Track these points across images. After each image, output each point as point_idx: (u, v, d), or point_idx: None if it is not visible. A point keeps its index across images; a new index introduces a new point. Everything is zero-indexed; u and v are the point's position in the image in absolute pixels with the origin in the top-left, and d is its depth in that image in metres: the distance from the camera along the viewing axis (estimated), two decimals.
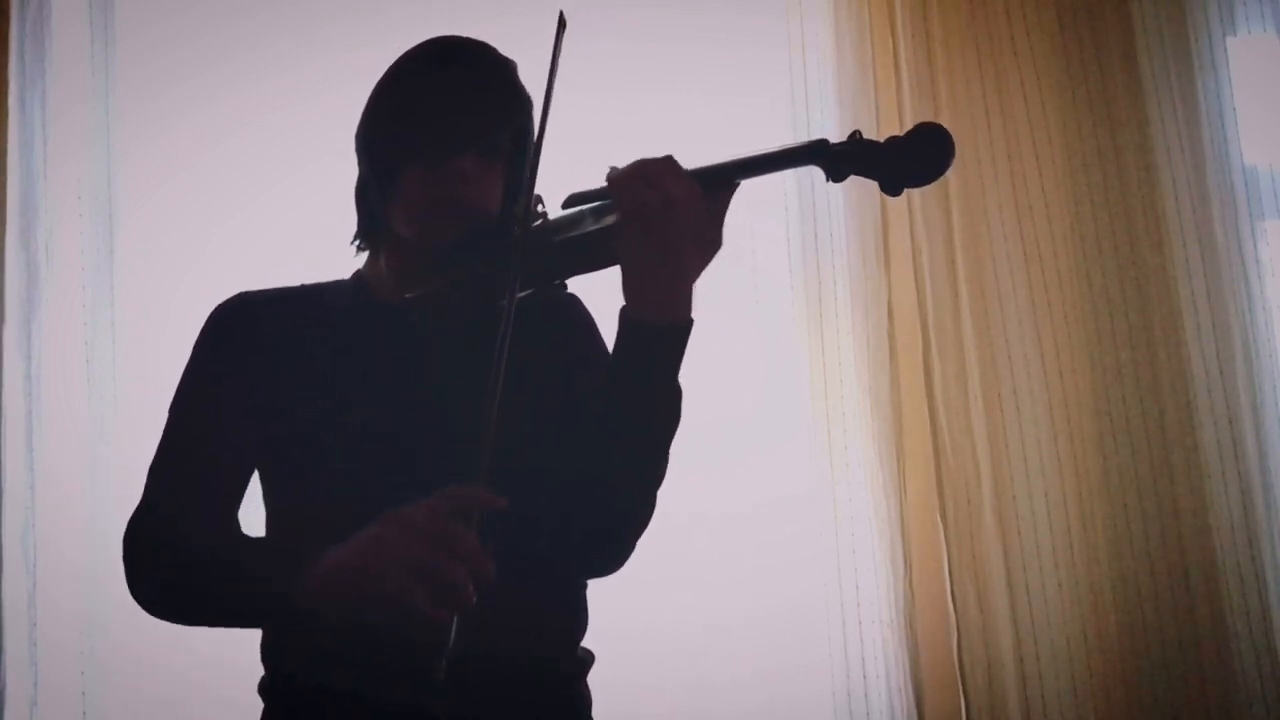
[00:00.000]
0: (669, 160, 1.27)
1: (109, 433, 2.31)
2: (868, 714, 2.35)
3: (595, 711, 1.42)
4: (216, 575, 1.26)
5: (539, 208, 1.34)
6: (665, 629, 2.33)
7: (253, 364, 1.41)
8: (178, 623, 1.34)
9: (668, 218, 1.23)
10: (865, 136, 1.27)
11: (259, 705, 1.39)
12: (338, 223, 1.54)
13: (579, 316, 1.51)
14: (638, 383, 1.28)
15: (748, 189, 1.30)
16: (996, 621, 2.40)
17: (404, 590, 1.08)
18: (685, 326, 1.27)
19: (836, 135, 2.50)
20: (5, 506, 2.23)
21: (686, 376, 1.32)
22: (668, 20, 2.57)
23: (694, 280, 1.27)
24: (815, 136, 2.48)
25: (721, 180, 1.28)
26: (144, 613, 1.36)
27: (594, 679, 1.43)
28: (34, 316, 2.32)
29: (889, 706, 2.36)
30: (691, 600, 2.35)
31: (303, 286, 1.50)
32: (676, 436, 1.34)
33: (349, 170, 1.49)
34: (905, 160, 1.24)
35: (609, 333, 1.49)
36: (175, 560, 1.30)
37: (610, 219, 1.29)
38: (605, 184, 1.28)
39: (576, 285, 1.40)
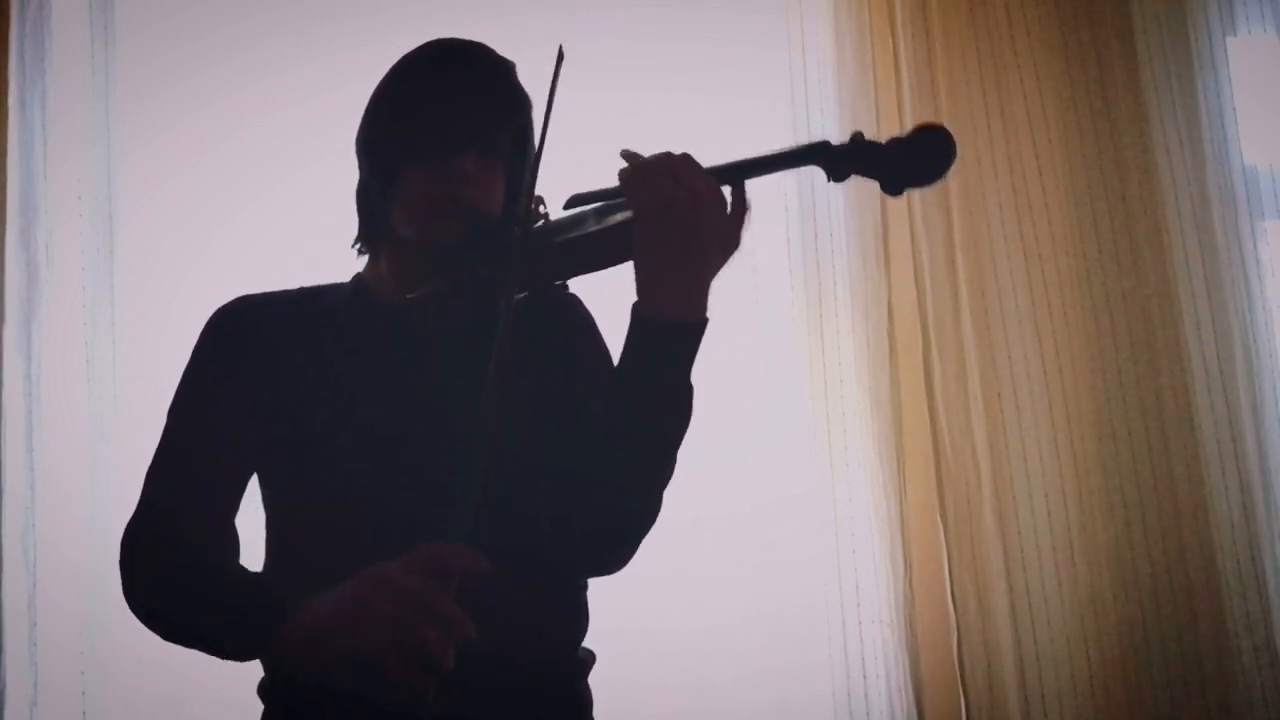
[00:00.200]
0: (689, 157, 1.27)
1: (109, 433, 2.31)
2: (868, 714, 2.35)
3: (596, 711, 1.42)
4: (201, 607, 1.26)
5: (540, 208, 1.34)
6: (665, 629, 2.33)
7: (253, 366, 1.41)
8: (166, 639, 1.33)
9: (693, 213, 1.22)
10: (867, 138, 1.27)
11: (259, 706, 1.39)
12: (338, 223, 1.55)
13: (579, 317, 1.51)
14: (651, 380, 1.28)
15: (748, 188, 1.30)
16: (996, 621, 2.40)
17: (378, 653, 1.07)
18: (701, 324, 1.27)
19: (836, 135, 2.53)
20: (5, 506, 2.23)
21: None
22: (668, 20, 2.57)
23: (712, 278, 1.27)
24: (815, 136, 2.53)
25: (725, 181, 1.28)
26: None
27: (594, 679, 1.43)
28: (34, 316, 2.32)
29: (889, 706, 2.36)
30: (692, 600, 2.35)
31: (302, 289, 1.50)
32: None
33: (349, 170, 1.49)
34: (906, 161, 1.24)
35: (609, 334, 1.50)
36: (167, 583, 1.30)
37: (615, 219, 1.29)
38: (619, 178, 1.27)
39: (577, 285, 1.40)
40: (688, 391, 1.29)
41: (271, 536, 1.42)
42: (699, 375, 1.30)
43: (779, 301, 2.49)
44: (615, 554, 1.38)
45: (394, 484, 1.31)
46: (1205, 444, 2.46)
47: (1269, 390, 2.49)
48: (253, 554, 1.44)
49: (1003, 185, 2.55)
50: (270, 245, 2.39)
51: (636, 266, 1.26)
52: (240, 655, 1.25)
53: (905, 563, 2.41)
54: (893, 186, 1.26)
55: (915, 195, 2.51)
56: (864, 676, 2.36)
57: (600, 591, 1.44)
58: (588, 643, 1.44)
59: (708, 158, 1.29)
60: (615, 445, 1.30)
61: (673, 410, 1.29)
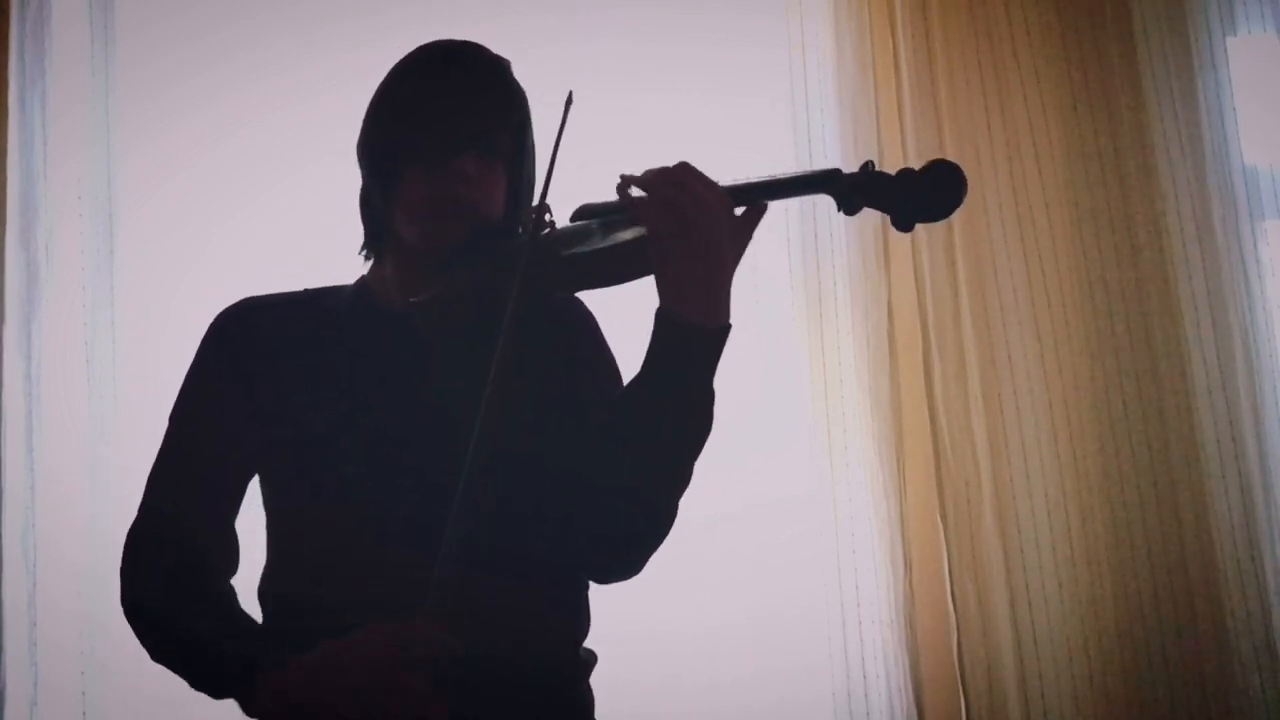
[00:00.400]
0: (687, 165, 1.27)
1: (109, 433, 2.31)
2: (868, 714, 2.35)
3: (597, 712, 1.42)
4: (187, 644, 1.30)
5: (546, 216, 1.34)
6: (666, 629, 2.33)
7: (254, 367, 1.41)
8: (151, 657, 1.35)
9: (703, 219, 1.23)
10: (878, 168, 1.27)
11: None
12: (338, 223, 1.55)
13: (583, 320, 1.51)
14: (677, 385, 1.28)
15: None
16: (996, 621, 2.40)
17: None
18: (725, 329, 1.28)
19: (837, 135, 2.53)
20: (5, 506, 2.23)
21: None
22: (668, 20, 2.57)
23: (731, 280, 1.27)
24: (816, 137, 2.53)
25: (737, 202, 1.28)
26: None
27: (595, 679, 1.43)
28: (34, 316, 2.32)
29: (889, 706, 2.36)
30: (692, 601, 2.35)
31: (306, 291, 1.51)
32: None
33: (349, 170, 1.49)
34: (918, 197, 1.25)
35: (611, 337, 1.50)
36: (161, 608, 1.33)
37: (622, 236, 1.29)
38: (618, 196, 1.28)
39: None
40: (710, 397, 1.30)
41: (273, 537, 1.42)
42: None
43: (779, 301, 2.49)
44: (630, 560, 1.38)
45: (396, 486, 1.31)
46: (1205, 444, 2.46)
47: (1269, 390, 2.49)
48: (252, 554, 1.44)
49: (1003, 185, 2.55)
50: (270, 245, 2.38)
51: (658, 277, 1.26)
52: (213, 695, 1.28)
53: (905, 563, 2.41)
54: (903, 223, 1.26)
55: None
56: (864, 676, 2.36)
57: (601, 592, 1.44)
58: (589, 643, 1.44)
59: (708, 158, 1.29)
60: (635, 451, 1.30)
61: (698, 415, 1.29)
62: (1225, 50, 2.62)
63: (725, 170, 1.29)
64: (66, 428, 2.29)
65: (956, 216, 2.50)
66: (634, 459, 1.30)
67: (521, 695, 1.31)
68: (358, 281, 1.50)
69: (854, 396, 2.45)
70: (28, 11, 2.40)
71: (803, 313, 2.49)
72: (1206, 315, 2.50)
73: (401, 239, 1.41)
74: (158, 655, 1.33)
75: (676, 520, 1.36)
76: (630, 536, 1.35)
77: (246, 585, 1.43)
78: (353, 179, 1.50)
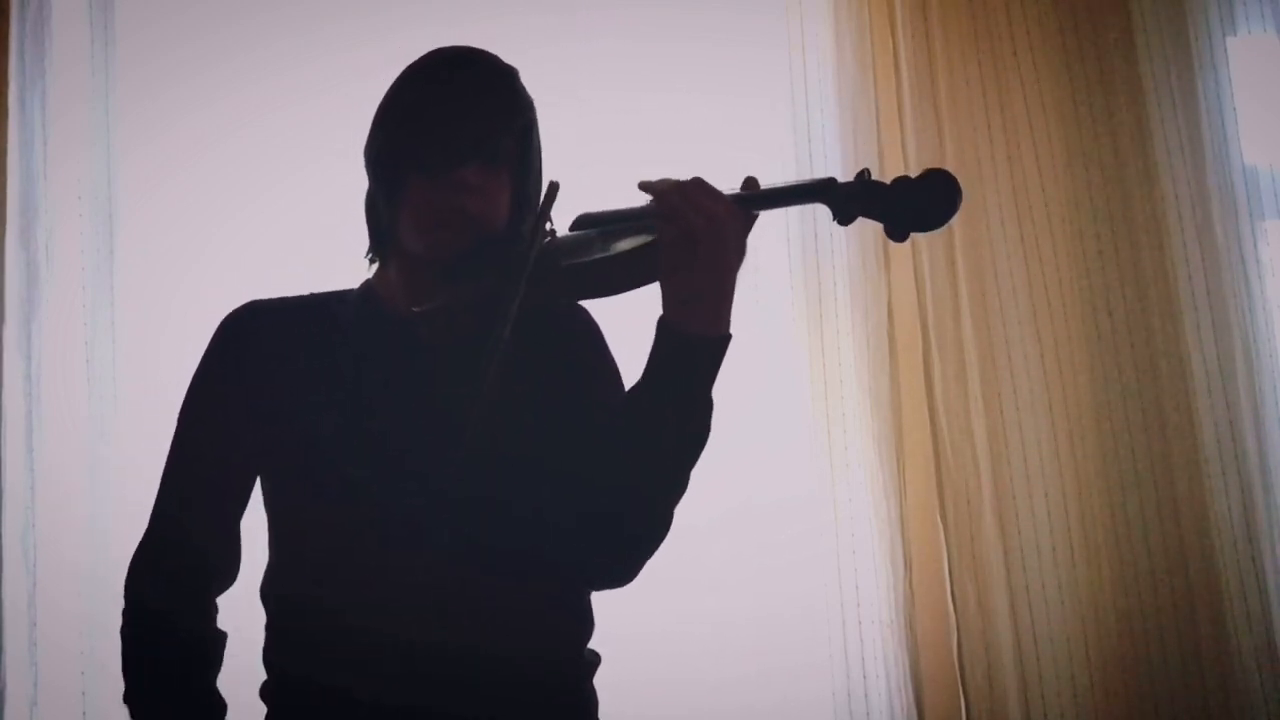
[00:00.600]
0: (701, 181, 1.27)
1: (109, 433, 2.31)
2: (868, 714, 2.35)
3: (599, 712, 1.42)
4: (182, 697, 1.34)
5: (547, 225, 1.34)
6: (666, 629, 2.33)
7: (260, 369, 1.42)
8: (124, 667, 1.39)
9: (715, 237, 1.24)
10: (872, 177, 1.28)
11: (260, 708, 1.39)
12: (337, 223, 1.55)
13: (586, 327, 1.51)
14: (677, 392, 1.28)
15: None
16: (996, 621, 2.40)
17: None
18: (725, 339, 1.28)
19: (837, 135, 2.53)
20: (5, 506, 2.23)
21: None
22: (668, 20, 2.56)
23: (733, 293, 1.28)
24: (816, 137, 2.53)
25: None
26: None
27: (597, 679, 1.43)
28: (34, 316, 2.32)
29: (889, 706, 2.36)
30: (692, 601, 2.35)
31: (313, 295, 1.51)
32: None
33: (349, 171, 1.49)
34: (913, 206, 1.25)
35: (614, 343, 1.50)
36: (153, 665, 1.37)
37: (622, 245, 1.29)
38: (646, 210, 1.27)
39: None
40: (709, 406, 1.30)
41: (275, 538, 1.42)
42: None
43: (779, 301, 2.49)
44: (623, 567, 1.39)
45: (399, 490, 1.31)
46: (1205, 444, 2.46)
47: (1269, 390, 2.49)
48: (254, 554, 1.45)
49: (1003, 185, 2.55)
50: (270, 245, 2.38)
51: (663, 286, 1.27)
52: None
53: (905, 563, 2.41)
54: (898, 233, 1.26)
55: None
56: (864, 676, 2.36)
57: (601, 593, 1.44)
58: (591, 644, 1.44)
59: (708, 158, 1.29)
60: (632, 458, 1.30)
61: (696, 423, 1.30)
62: (1225, 50, 2.62)
63: (725, 170, 1.29)
64: (66, 428, 2.29)
65: (957, 217, 2.51)
66: (633, 465, 1.30)
67: (525, 696, 1.31)
68: (363, 285, 1.50)
69: (854, 396, 2.45)
70: (28, 11, 2.39)
71: (803, 313, 2.49)
72: (1206, 315, 2.49)
73: (405, 246, 1.41)
74: (128, 697, 1.37)
75: (676, 521, 1.36)
76: (625, 542, 1.36)
77: (248, 585, 1.43)
78: (353, 180, 1.50)
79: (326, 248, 2.21)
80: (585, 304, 1.49)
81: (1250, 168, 2.58)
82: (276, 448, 1.40)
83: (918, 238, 2.51)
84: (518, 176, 1.41)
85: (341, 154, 1.51)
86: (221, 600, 1.43)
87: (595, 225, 1.37)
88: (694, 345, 1.27)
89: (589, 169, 1.34)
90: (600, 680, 1.43)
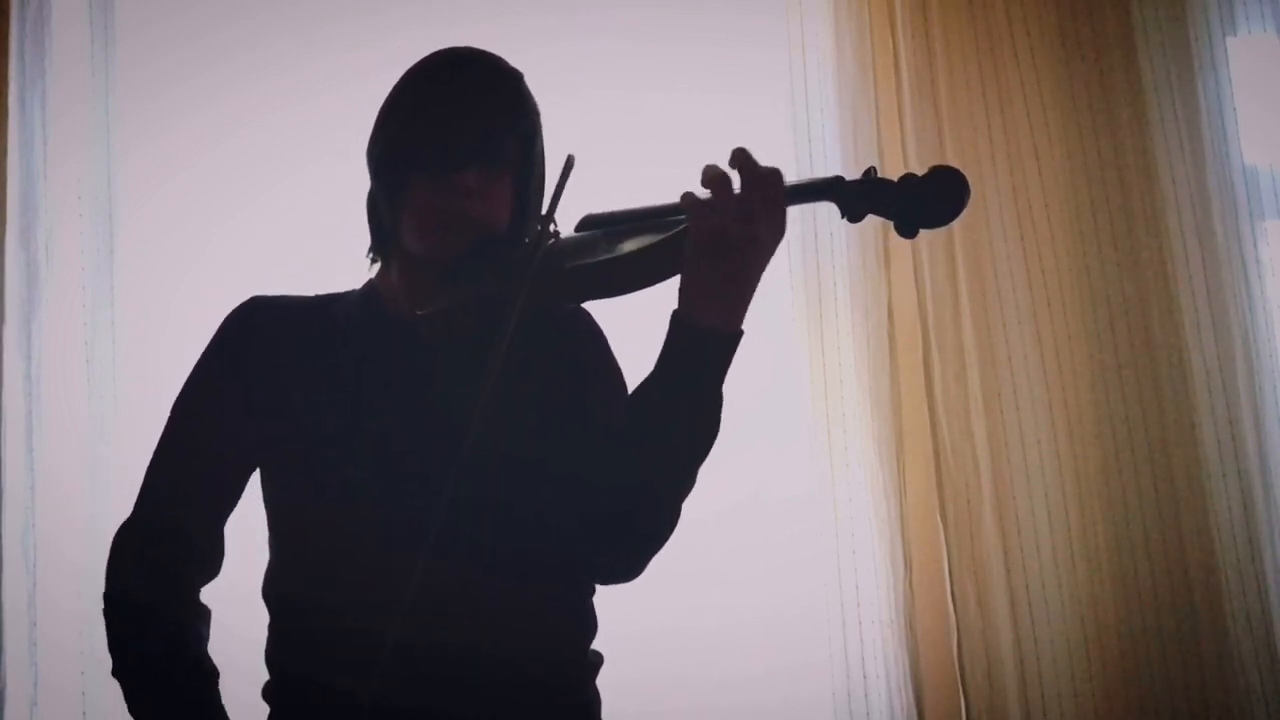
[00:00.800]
0: (748, 195, 1.24)
1: (109, 433, 2.31)
2: (868, 714, 2.35)
3: (601, 712, 1.42)
4: (147, 692, 1.34)
5: (551, 226, 1.34)
6: (666, 629, 2.33)
7: (257, 365, 1.42)
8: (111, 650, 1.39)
9: (751, 249, 1.22)
10: (880, 173, 1.27)
11: (260, 708, 1.39)
12: (338, 223, 1.55)
13: (589, 329, 1.51)
14: (688, 386, 1.28)
15: None
16: (996, 621, 2.40)
17: None
18: (738, 335, 1.28)
19: (837, 135, 2.53)
20: (5, 506, 2.23)
21: None
22: (668, 20, 2.57)
23: (753, 295, 1.27)
24: (816, 137, 2.53)
25: None
26: None
27: (598, 680, 1.43)
28: (34, 316, 2.32)
29: (889, 706, 2.36)
30: (693, 600, 2.35)
31: (317, 296, 1.51)
32: None
33: (349, 171, 1.50)
34: (922, 203, 1.24)
35: (616, 343, 1.50)
36: (137, 644, 1.37)
37: (628, 247, 1.29)
38: (682, 200, 1.26)
39: None
40: (720, 401, 1.30)
41: (275, 537, 1.42)
42: None
43: (779, 301, 2.49)
44: (632, 562, 1.38)
45: (400, 491, 1.31)
46: (1205, 444, 2.46)
47: (1269, 390, 2.49)
48: (254, 554, 1.44)
49: (1003, 185, 2.55)
50: (270, 245, 2.38)
51: (683, 283, 1.26)
52: None
53: (905, 563, 2.41)
54: (907, 229, 1.26)
55: None
56: (864, 676, 2.36)
57: (602, 592, 1.45)
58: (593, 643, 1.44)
59: (708, 158, 1.28)
60: (644, 452, 1.30)
61: (706, 418, 1.30)
62: (1225, 50, 2.62)
63: (725, 171, 1.29)
64: (66, 428, 2.29)
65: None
66: (642, 460, 1.30)
67: (528, 697, 1.32)
68: (365, 286, 1.50)
69: (854, 396, 2.45)
70: (28, 11, 2.39)
71: (803, 313, 2.49)
72: (1206, 315, 2.49)
73: (406, 247, 1.41)
74: (117, 673, 1.36)
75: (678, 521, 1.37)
76: (635, 538, 1.36)
77: (249, 585, 1.43)
78: (353, 180, 1.50)
79: (326, 248, 2.21)
80: (590, 306, 1.49)
81: (1250, 168, 2.58)
82: (276, 446, 1.40)
83: (917, 238, 2.51)
84: (520, 180, 1.41)
85: (341, 154, 1.51)
86: (222, 600, 1.43)
87: (601, 226, 1.36)
88: (709, 340, 1.26)
89: (589, 169, 1.33)
90: (602, 680, 1.43)
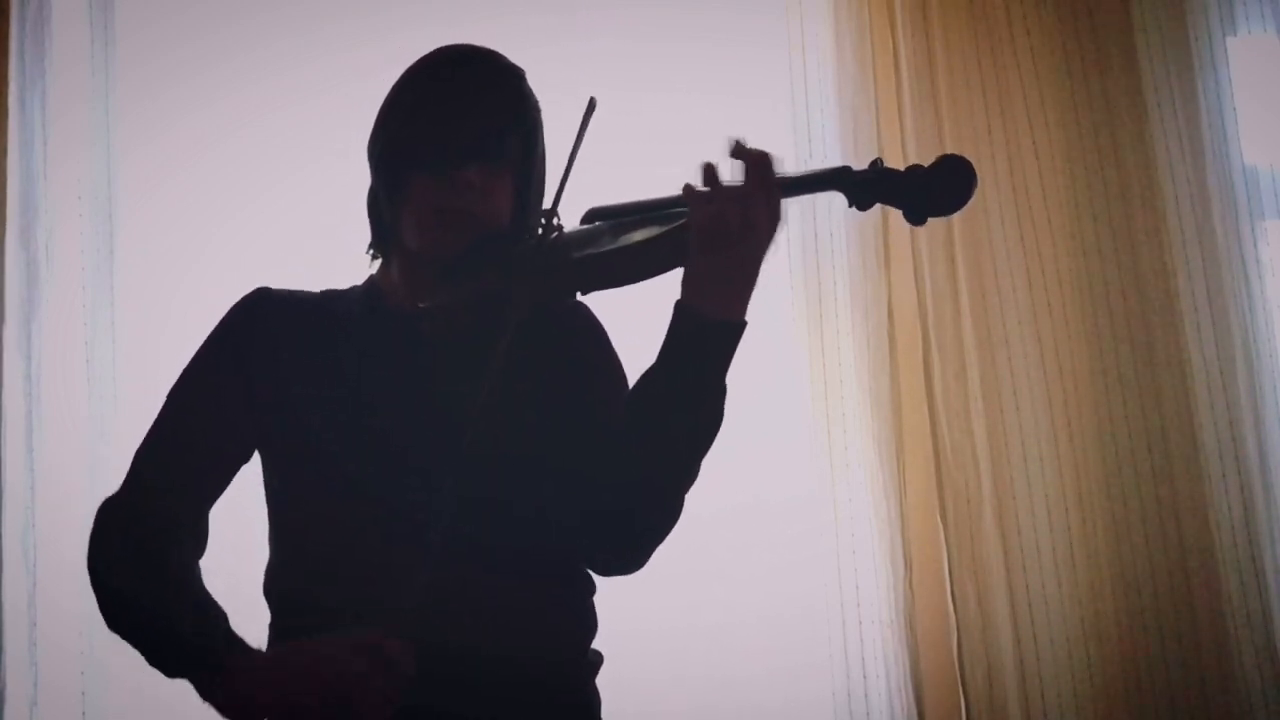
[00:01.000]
0: (749, 186, 1.26)
1: (109, 433, 2.31)
2: (868, 714, 2.35)
3: (601, 712, 1.42)
4: (154, 616, 1.30)
5: (554, 220, 1.34)
6: (666, 629, 2.33)
7: (264, 357, 1.42)
8: (108, 626, 1.36)
9: (750, 237, 1.24)
10: (885, 165, 1.28)
11: None
12: (337, 223, 1.55)
13: (589, 326, 1.51)
14: (691, 376, 1.28)
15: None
16: (996, 621, 2.40)
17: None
18: (741, 325, 1.29)
19: (837, 135, 2.53)
20: (5, 506, 2.23)
21: None
22: (668, 20, 2.57)
23: (755, 284, 1.28)
24: (816, 137, 2.53)
25: None
26: None
27: (598, 679, 1.43)
28: (34, 316, 2.32)
29: (889, 706, 2.36)
30: (692, 600, 2.35)
31: (322, 292, 1.51)
32: None
33: (349, 171, 1.50)
34: (929, 191, 1.25)
35: (616, 340, 1.50)
36: (131, 576, 1.34)
37: (634, 237, 1.29)
38: (684, 193, 1.27)
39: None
40: (723, 392, 1.30)
41: (276, 534, 1.42)
42: None
43: (779, 301, 2.49)
44: (635, 554, 1.38)
45: (401, 486, 1.32)
46: (1205, 444, 2.46)
47: (1269, 390, 2.49)
48: (250, 549, 1.44)
49: (1003, 185, 2.55)
50: (270, 245, 2.39)
51: (686, 273, 1.27)
52: (171, 672, 1.30)
53: (905, 563, 2.41)
54: (915, 217, 1.27)
55: None
56: (864, 676, 2.36)
57: (601, 591, 1.45)
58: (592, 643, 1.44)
59: (708, 158, 1.29)
60: (647, 443, 1.30)
61: (709, 409, 1.30)
62: (1225, 50, 2.62)
63: (725, 171, 1.29)
64: (66, 428, 2.29)
65: (957, 216, 2.50)
66: (645, 451, 1.30)
67: (527, 696, 1.32)
68: (367, 282, 1.51)
69: (854, 396, 2.45)
70: (28, 11, 2.40)
71: (803, 313, 2.49)
72: (1206, 315, 2.49)
73: (406, 244, 1.41)
74: (115, 624, 1.34)
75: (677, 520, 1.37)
76: (637, 530, 1.36)
77: (250, 584, 1.43)
78: (353, 180, 1.50)
79: (327, 248, 2.21)
80: (589, 302, 1.49)
81: (1250, 168, 2.58)
82: (277, 439, 1.40)
83: (918, 236, 2.51)
84: (521, 177, 1.41)
85: (342, 154, 1.51)
86: (222, 600, 1.43)
87: (605, 218, 1.37)
88: (712, 330, 1.27)
89: (589, 169, 1.34)
90: (602, 680, 1.43)
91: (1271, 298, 2.54)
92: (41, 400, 2.29)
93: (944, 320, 2.50)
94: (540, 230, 1.32)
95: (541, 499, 1.35)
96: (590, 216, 1.38)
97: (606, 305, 1.46)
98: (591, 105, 1.30)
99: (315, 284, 1.53)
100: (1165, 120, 2.56)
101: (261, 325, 1.44)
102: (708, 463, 1.34)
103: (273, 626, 1.40)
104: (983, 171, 2.52)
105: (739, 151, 1.26)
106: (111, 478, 2.24)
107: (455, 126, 1.36)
